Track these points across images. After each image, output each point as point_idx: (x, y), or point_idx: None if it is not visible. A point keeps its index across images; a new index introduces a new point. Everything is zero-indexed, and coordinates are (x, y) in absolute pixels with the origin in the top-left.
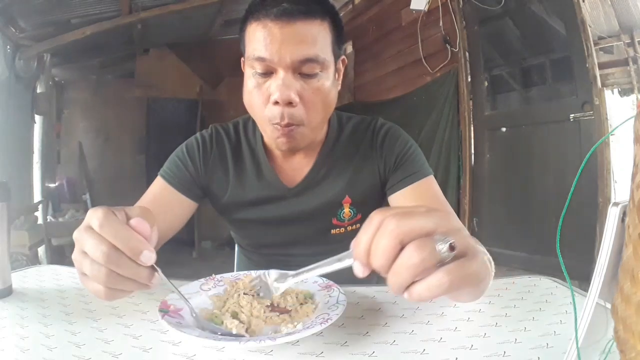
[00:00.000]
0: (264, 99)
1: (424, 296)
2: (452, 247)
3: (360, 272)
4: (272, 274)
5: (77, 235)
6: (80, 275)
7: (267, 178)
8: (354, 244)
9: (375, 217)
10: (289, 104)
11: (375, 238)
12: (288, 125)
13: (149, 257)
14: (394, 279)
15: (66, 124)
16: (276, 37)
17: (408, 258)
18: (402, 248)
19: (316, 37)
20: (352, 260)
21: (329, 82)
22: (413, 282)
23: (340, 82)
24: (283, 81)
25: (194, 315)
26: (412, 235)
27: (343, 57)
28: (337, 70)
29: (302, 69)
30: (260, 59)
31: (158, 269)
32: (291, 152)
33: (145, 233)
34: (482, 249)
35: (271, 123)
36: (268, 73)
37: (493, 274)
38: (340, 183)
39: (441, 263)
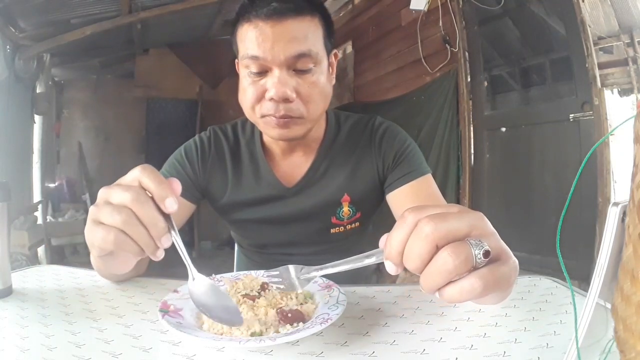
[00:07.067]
0: (258, 95)
1: (456, 299)
2: (486, 253)
3: (392, 271)
4: (292, 269)
5: (104, 189)
6: (90, 226)
7: (265, 178)
8: (385, 243)
9: (409, 216)
10: (285, 100)
11: (410, 240)
12: (284, 116)
13: (172, 203)
14: (426, 281)
15: (66, 124)
16: (268, 36)
17: (443, 263)
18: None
19: (307, 33)
20: (382, 258)
21: (324, 77)
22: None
23: (334, 76)
24: (279, 79)
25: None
26: (448, 238)
27: (335, 51)
28: (330, 64)
29: (296, 65)
30: (254, 58)
31: (175, 228)
32: (290, 147)
33: (175, 188)
34: None
35: (265, 114)
36: (263, 72)
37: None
38: (338, 181)
39: (478, 266)
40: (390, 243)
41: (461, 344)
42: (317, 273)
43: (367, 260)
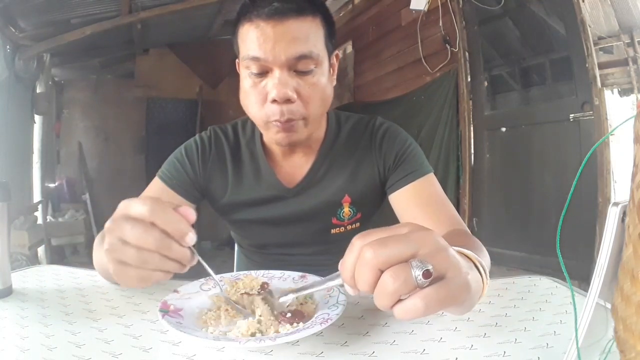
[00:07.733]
0: (261, 98)
1: (402, 318)
2: (427, 274)
3: (351, 292)
4: (274, 293)
5: (112, 225)
6: (114, 265)
7: (266, 178)
8: (340, 267)
9: (355, 243)
10: (287, 101)
11: (356, 266)
12: (288, 121)
13: (193, 238)
14: (376, 302)
15: (66, 124)
16: (269, 36)
17: (384, 286)
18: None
19: (308, 33)
20: (342, 280)
21: (324, 78)
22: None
23: (335, 77)
24: (279, 79)
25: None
26: (390, 262)
27: (336, 52)
28: (331, 65)
29: (297, 66)
30: (255, 59)
31: (194, 250)
32: (291, 148)
33: (190, 219)
34: (475, 256)
35: (270, 120)
36: (263, 73)
37: (486, 283)
38: (339, 182)
39: (421, 286)
40: (343, 268)
41: (461, 344)
42: (293, 295)
43: (331, 282)
